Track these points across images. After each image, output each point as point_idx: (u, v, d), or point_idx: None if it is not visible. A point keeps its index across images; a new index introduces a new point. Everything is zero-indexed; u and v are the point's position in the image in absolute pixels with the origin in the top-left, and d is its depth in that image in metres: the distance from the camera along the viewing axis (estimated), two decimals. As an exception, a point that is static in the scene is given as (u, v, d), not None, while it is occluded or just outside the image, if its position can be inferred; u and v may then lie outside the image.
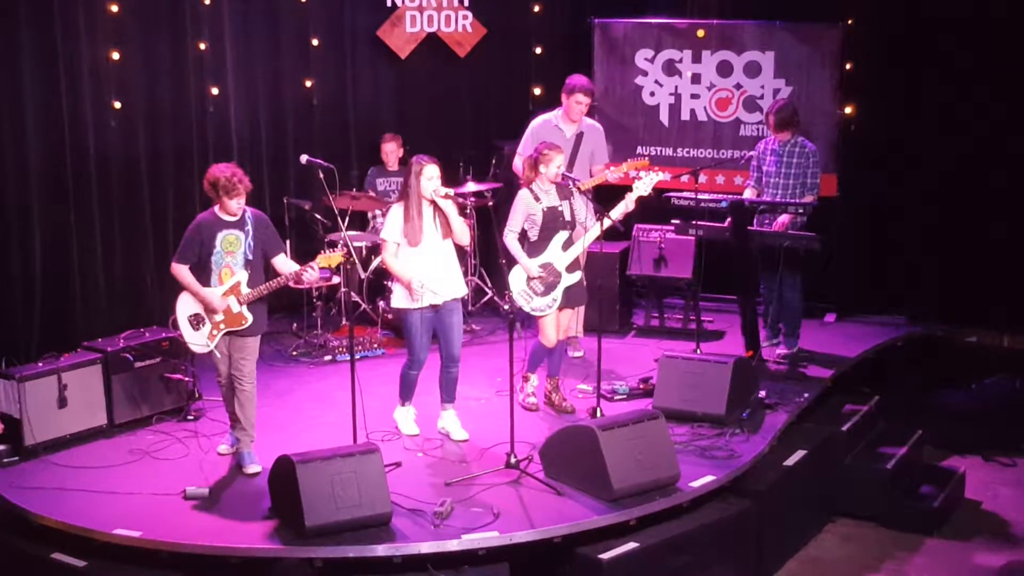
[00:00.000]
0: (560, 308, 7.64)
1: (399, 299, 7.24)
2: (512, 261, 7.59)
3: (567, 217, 7.61)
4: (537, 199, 7.56)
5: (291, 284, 7.10)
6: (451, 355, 7.32)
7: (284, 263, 6.95)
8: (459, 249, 9.69)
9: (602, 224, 7.49)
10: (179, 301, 6.93)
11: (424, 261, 7.12)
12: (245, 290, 6.81)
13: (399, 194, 7.26)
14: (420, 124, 10.67)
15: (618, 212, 7.56)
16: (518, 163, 8.50)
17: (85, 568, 6.08)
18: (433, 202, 7.08)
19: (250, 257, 6.84)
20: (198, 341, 6.92)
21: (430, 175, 7.02)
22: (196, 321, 6.89)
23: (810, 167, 8.44)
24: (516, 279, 7.57)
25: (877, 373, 8.95)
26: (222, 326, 6.84)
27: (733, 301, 9.06)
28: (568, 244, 7.62)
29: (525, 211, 7.56)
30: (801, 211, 8.25)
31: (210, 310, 6.82)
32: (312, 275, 6.88)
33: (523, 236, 7.60)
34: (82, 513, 6.36)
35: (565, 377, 8.14)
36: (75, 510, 6.40)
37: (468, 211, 9.39)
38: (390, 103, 10.76)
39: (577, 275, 7.66)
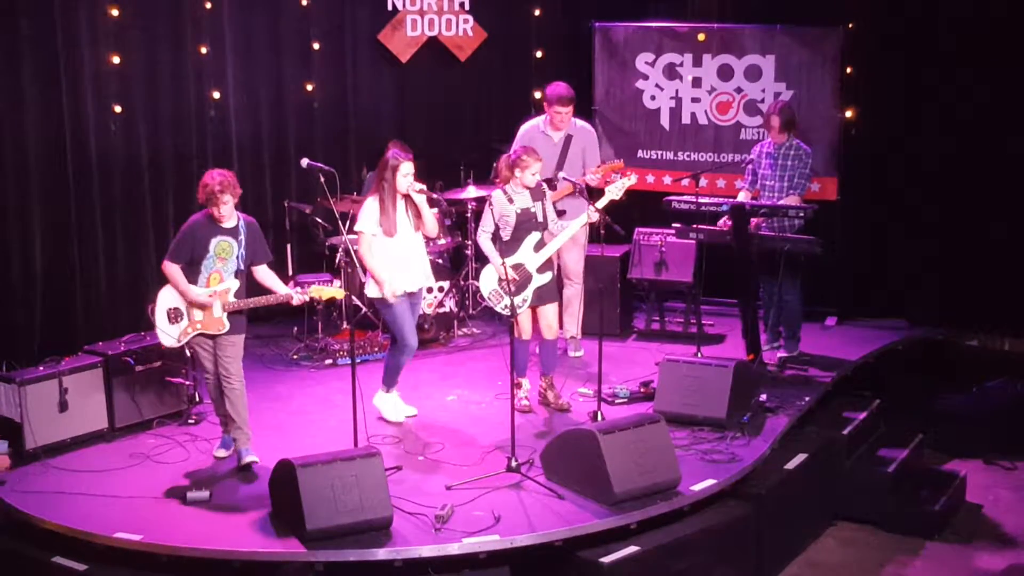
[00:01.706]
0: (532, 306, 7.69)
1: (376, 289, 7.39)
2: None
3: (539, 219, 7.70)
4: (510, 200, 7.64)
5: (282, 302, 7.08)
6: None
7: (265, 274, 6.98)
8: (458, 252, 9.82)
9: (603, 221, 7.59)
10: (161, 292, 6.98)
11: (399, 250, 7.36)
12: (231, 299, 6.85)
13: (373, 187, 7.42)
14: (421, 128, 10.68)
15: (584, 219, 7.68)
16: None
17: (86, 572, 6.08)
18: (406, 196, 7.32)
19: (242, 267, 6.88)
20: (170, 334, 6.95)
21: (405, 171, 7.29)
22: (175, 315, 6.94)
23: (799, 168, 8.45)
24: (487, 279, 7.64)
25: (878, 377, 8.94)
26: (199, 326, 6.88)
27: (734, 305, 9.05)
28: (540, 245, 7.68)
29: (498, 212, 7.63)
30: (802, 214, 8.24)
31: (194, 307, 6.84)
32: (299, 299, 6.93)
33: (495, 236, 7.65)
34: (83, 517, 6.35)
35: (567, 380, 8.17)
36: (76, 514, 6.40)
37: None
38: (391, 107, 10.76)
39: (548, 275, 7.73)
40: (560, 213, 8.20)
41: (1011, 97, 9.17)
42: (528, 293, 7.65)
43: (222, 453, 7.18)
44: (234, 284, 6.84)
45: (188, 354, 7.43)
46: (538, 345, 7.87)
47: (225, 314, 6.85)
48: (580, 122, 8.76)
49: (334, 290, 7.03)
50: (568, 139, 8.62)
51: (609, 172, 8.64)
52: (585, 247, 8.71)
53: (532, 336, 7.78)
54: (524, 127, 8.77)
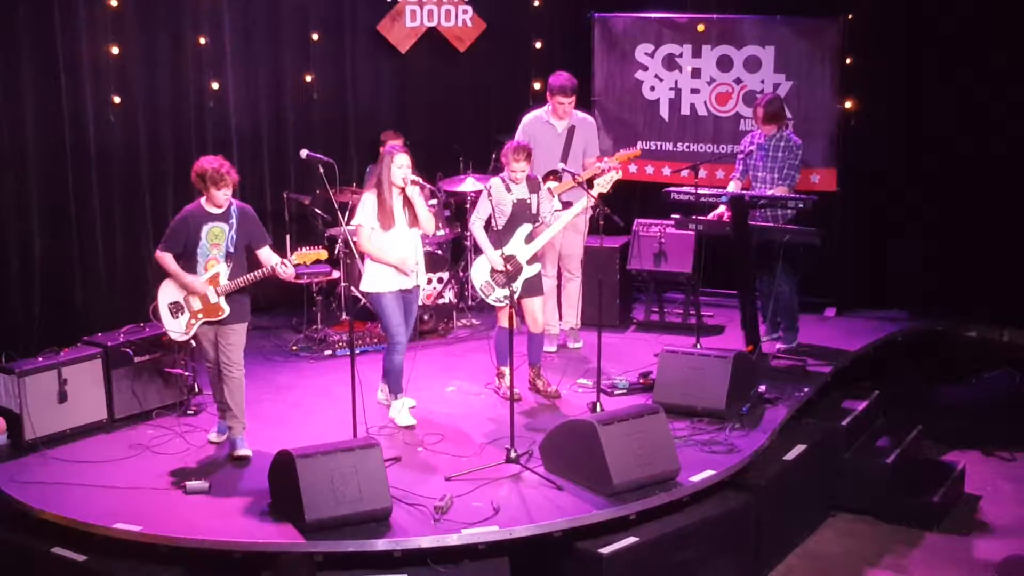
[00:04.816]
0: (519, 298, 7.70)
1: (372, 283, 7.36)
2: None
3: (533, 210, 7.72)
4: (508, 189, 7.66)
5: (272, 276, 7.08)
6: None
7: (268, 256, 6.99)
8: (457, 243, 9.81)
9: (602, 212, 7.63)
10: (161, 288, 7.01)
11: (397, 245, 7.29)
12: (224, 282, 6.86)
13: (372, 182, 7.39)
14: (420, 119, 10.67)
15: (578, 208, 7.81)
16: None
17: (86, 562, 6.09)
18: (402, 191, 7.24)
19: (231, 250, 6.89)
20: (176, 329, 7.00)
21: (400, 163, 7.22)
22: (176, 309, 6.97)
23: (789, 159, 8.44)
24: (480, 270, 7.66)
25: (877, 368, 8.95)
26: (200, 315, 6.90)
27: (733, 296, 9.05)
28: (531, 237, 7.69)
29: (496, 200, 7.64)
30: (800, 205, 8.24)
31: (192, 295, 6.87)
32: (286, 271, 6.89)
33: (487, 225, 7.66)
34: (82, 507, 6.36)
35: (566, 371, 8.19)
36: (75, 504, 6.40)
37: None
38: (390, 98, 10.75)
39: (536, 267, 7.78)
40: (565, 204, 8.22)
41: (1012, 88, 9.15)
42: (517, 284, 7.67)
43: (215, 437, 7.22)
44: (224, 268, 6.86)
45: (192, 344, 7.41)
46: (526, 338, 7.87)
47: (222, 298, 6.86)
48: (580, 113, 8.76)
49: (316, 252, 6.96)
50: (571, 130, 8.60)
51: (626, 160, 8.63)
52: (585, 237, 8.70)
53: (517, 329, 7.76)
54: (527, 117, 8.73)
